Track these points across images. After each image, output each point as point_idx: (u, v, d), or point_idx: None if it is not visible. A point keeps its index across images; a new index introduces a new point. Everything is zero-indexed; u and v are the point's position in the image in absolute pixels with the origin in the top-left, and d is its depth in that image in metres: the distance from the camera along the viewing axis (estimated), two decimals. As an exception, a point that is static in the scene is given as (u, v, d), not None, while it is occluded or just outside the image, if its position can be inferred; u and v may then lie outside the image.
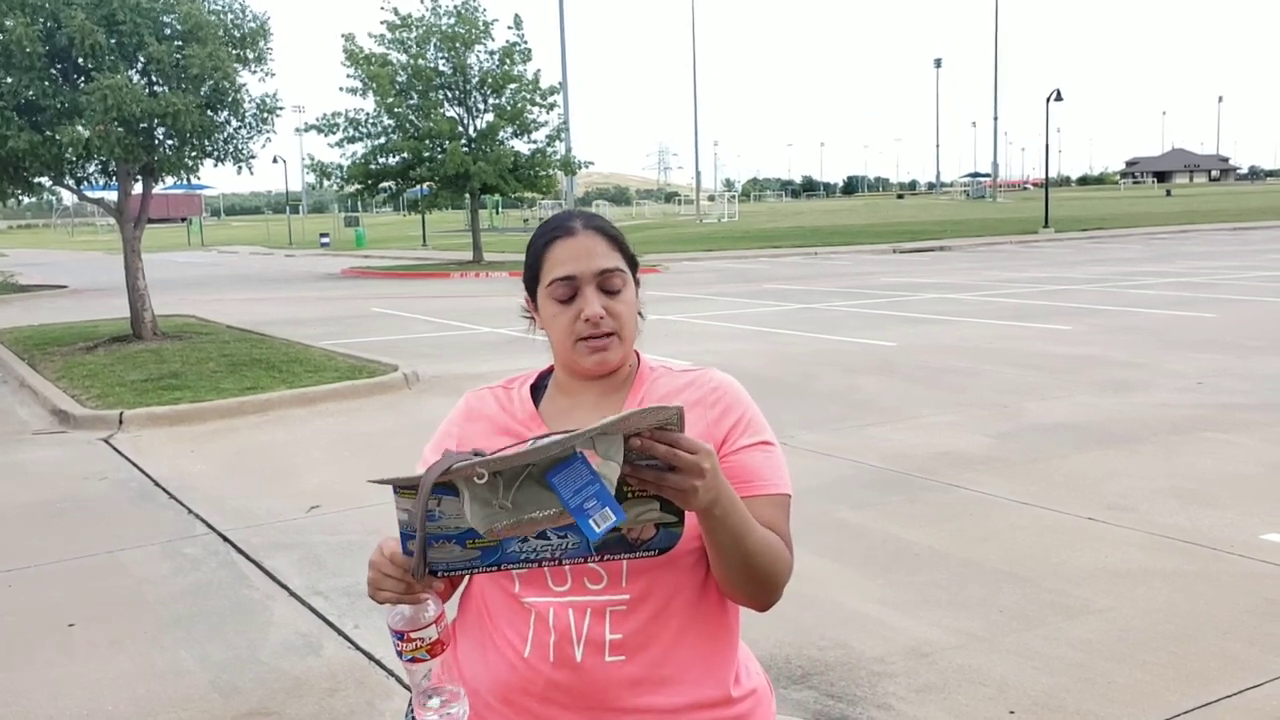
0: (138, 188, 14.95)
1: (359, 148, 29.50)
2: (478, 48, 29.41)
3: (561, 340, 1.71)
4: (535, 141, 30.33)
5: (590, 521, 1.34)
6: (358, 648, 4.49)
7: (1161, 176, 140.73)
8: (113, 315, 17.05)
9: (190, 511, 6.59)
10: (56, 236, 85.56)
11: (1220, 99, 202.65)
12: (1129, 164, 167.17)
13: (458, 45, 28.99)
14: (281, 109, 15.00)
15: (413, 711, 1.51)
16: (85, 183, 15.22)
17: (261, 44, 14.49)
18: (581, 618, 1.61)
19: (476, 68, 29.44)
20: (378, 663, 4.32)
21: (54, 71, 13.59)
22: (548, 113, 30.05)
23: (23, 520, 6.63)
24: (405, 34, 29.13)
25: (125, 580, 5.45)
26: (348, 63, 28.23)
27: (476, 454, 1.40)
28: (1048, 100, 41.09)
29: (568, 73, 35.07)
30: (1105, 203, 70.67)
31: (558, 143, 30.57)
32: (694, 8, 75.58)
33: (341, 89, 28.88)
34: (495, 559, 1.42)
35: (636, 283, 1.76)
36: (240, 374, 11.11)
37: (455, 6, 29.25)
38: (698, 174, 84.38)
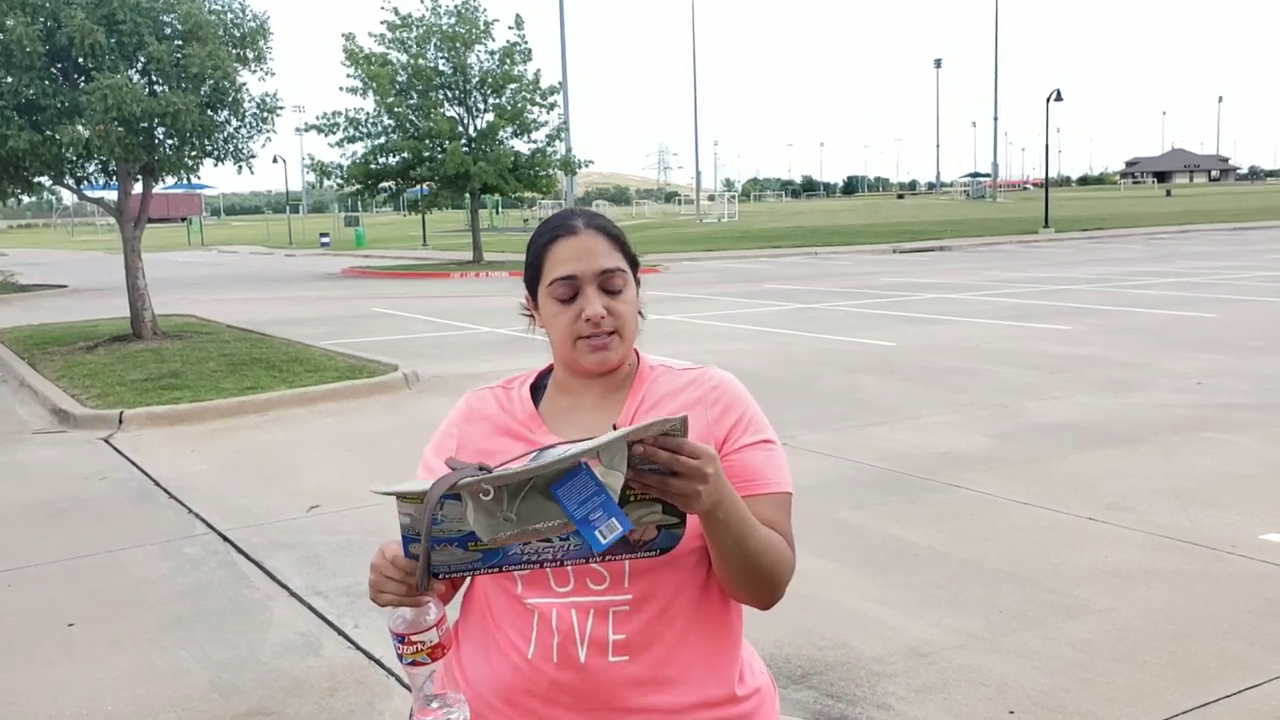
0: (138, 187, 14.96)
1: (359, 147, 29.53)
2: (478, 47, 29.40)
3: (562, 339, 1.71)
4: (535, 141, 30.34)
5: (596, 533, 1.33)
6: (357, 647, 4.49)
7: (1161, 177, 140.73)
8: (113, 315, 17.05)
9: (190, 511, 6.59)
10: (56, 236, 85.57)
11: (1220, 99, 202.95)
12: (1129, 164, 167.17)
13: (458, 45, 28.99)
14: (281, 108, 15.01)
15: (414, 715, 1.51)
16: (85, 182, 15.23)
17: (261, 43, 14.50)
18: (585, 618, 1.61)
19: (477, 67, 29.43)
20: (377, 662, 4.32)
21: (54, 71, 13.59)
22: (548, 113, 30.06)
23: (23, 520, 6.63)
24: (405, 34, 29.12)
25: (125, 580, 5.45)
26: (348, 62, 28.22)
27: (482, 468, 1.39)
28: (1048, 100, 41.10)
29: (568, 73, 35.08)
30: (1105, 203, 70.68)
31: (558, 142, 30.57)
32: (694, 8, 75.59)
33: (341, 89, 28.90)
34: (497, 560, 1.42)
35: (637, 282, 1.76)
36: (240, 374, 11.11)
37: (455, 6, 29.24)
38: (698, 174, 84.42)
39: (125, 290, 14.68)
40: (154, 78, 13.91)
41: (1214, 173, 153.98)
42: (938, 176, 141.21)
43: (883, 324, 14.49)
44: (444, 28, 29.01)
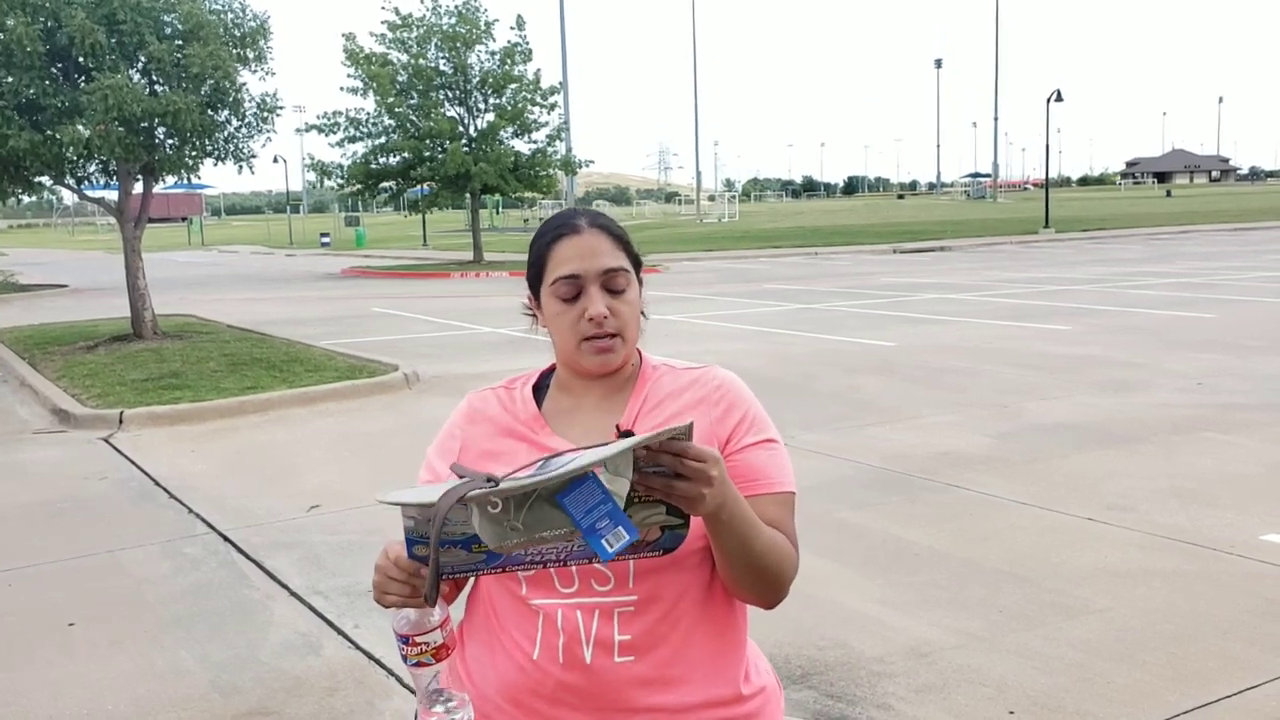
0: (138, 187, 14.96)
1: (359, 147, 29.55)
2: (478, 48, 29.41)
3: (565, 339, 1.70)
4: (535, 141, 30.35)
5: (603, 541, 1.33)
6: (357, 647, 4.49)
7: (1162, 177, 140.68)
8: (113, 314, 17.05)
9: (190, 511, 6.59)
10: (57, 236, 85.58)
11: (1220, 99, 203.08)
12: (1129, 164, 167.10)
13: (458, 45, 28.99)
14: (282, 108, 15.02)
15: (419, 716, 1.51)
16: (86, 182, 15.23)
17: (262, 43, 14.50)
18: (590, 619, 1.61)
19: (477, 68, 29.44)
20: (377, 662, 4.33)
21: (54, 71, 13.59)
22: (548, 113, 30.06)
23: (23, 520, 6.63)
24: (406, 34, 29.12)
25: (125, 580, 5.45)
26: (348, 62, 28.22)
27: (490, 479, 1.39)
28: (1048, 101, 41.10)
29: (568, 73, 35.08)
30: (1105, 203, 70.67)
31: (558, 143, 30.57)
32: (694, 8, 75.54)
33: (342, 89, 28.91)
34: (501, 561, 1.42)
35: (640, 283, 1.75)
36: (240, 374, 11.12)
37: (456, 6, 29.24)
38: (698, 174, 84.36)
39: (125, 290, 14.68)
40: (154, 78, 13.91)
41: (1214, 173, 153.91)
42: (938, 177, 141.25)
43: (882, 324, 14.49)
44: (444, 28, 29.02)
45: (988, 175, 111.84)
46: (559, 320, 1.70)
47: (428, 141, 28.68)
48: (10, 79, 13.09)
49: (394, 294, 22.82)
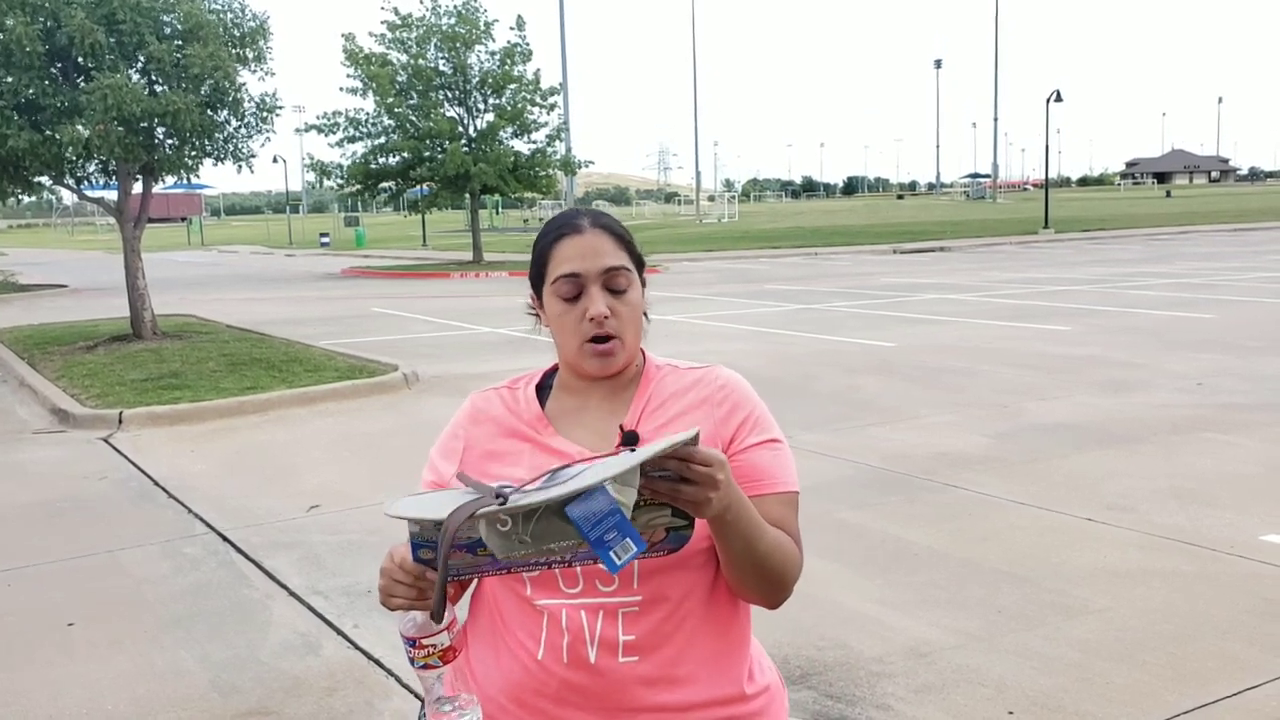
0: (138, 187, 14.96)
1: (359, 148, 29.55)
2: (478, 48, 29.41)
3: (566, 339, 1.70)
4: (535, 142, 30.35)
5: (611, 554, 1.33)
6: (357, 647, 4.49)
7: (1161, 177, 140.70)
8: (113, 315, 17.05)
9: (190, 511, 6.59)
10: (56, 236, 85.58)
11: (1220, 100, 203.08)
12: (1129, 165, 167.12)
13: (458, 45, 28.99)
14: (281, 108, 15.01)
15: (427, 718, 1.51)
16: (85, 182, 15.23)
17: (261, 43, 14.50)
18: (594, 619, 1.61)
19: (477, 68, 29.44)
20: (377, 662, 4.33)
21: (54, 71, 13.59)
22: (548, 113, 30.07)
23: (23, 520, 6.63)
24: (405, 34, 29.13)
25: (125, 580, 5.45)
26: (348, 63, 28.22)
27: (499, 495, 1.39)
28: (1048, 101, 41.10)
29: (568, 73, 35.07)
30: (1105, 203, 70.68)
31: (558, 143, 30.57)
32: (694, 8, 75.59)
33: (341, 89, 28.92)
34: (506, 563, 1.42)
35: (643, 283, 1.75)
36: (240, 374, 11.12)
37: (456, 6, 29.25)
38: (698, 174, 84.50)
39: (125, 290, 14.68)
40: (154, 77, 13.91)
41: (1214, 173, 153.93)
42: (938, 177, 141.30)
43: (882, 324, 14.49)
44: (444, 28, 29.02)
45: (987, 176, 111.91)
46: (560, 320, 1.70)
47: (427, 142, 28.68)
48: (10, 79, 13.09)
49: (394, 294, 22.82)
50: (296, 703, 4.02)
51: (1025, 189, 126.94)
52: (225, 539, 6.01)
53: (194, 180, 16.42)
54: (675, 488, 1.39)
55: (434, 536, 1.40)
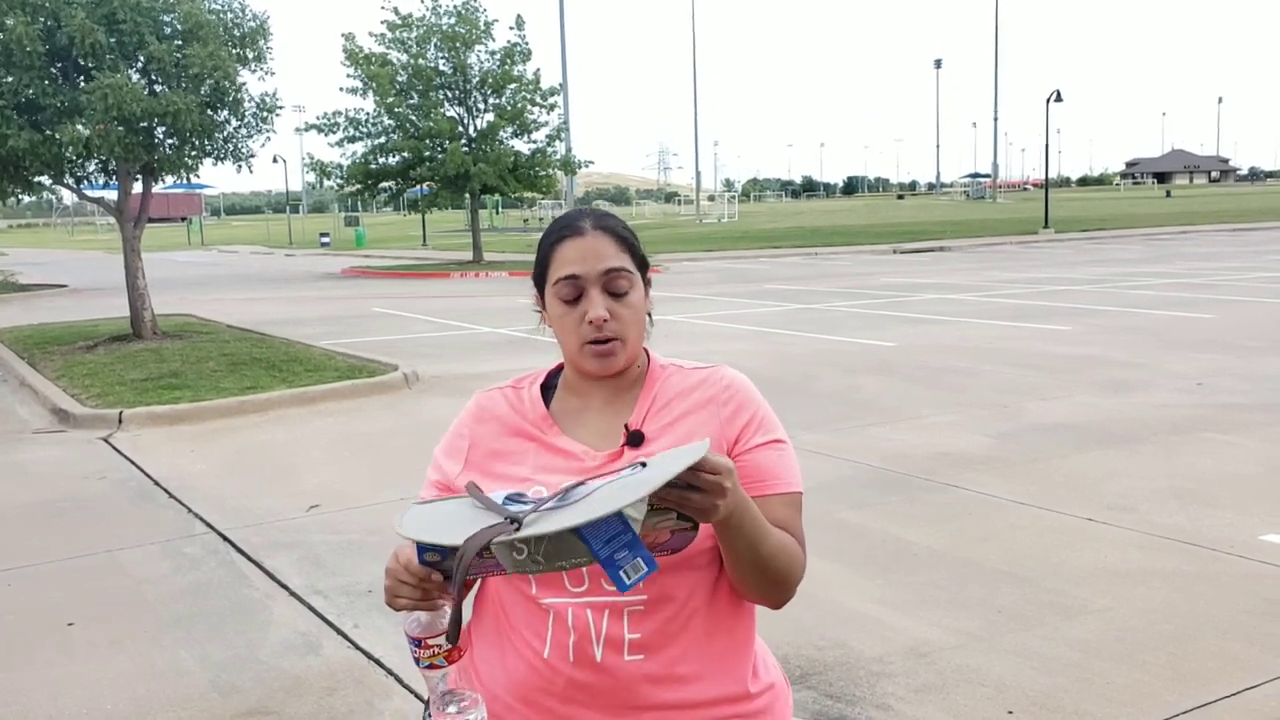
0: (138, 187, 14.96)
1: (359, 147, 29.54)
2: (478, 48, 29.40)
3: (568, 340, 1.71)
4: (535, 141, 30.34)
5: (621, 573, 1.33)
6: (357, 647, 4.49)
7: (1161, 177, 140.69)
8: (112, 314, 17.05)
9: (190, 511, 6.59)
10: (56, 236, 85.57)
11: (1220, 100, 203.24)
12: (1129, 165, 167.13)
13: (458, 45, 28.98)
14: (281, 108, 15.01)
15: (431, 717, 1.51)
16: (85, 182, 15.23)
17: (261, 43, 14.50)
18: (600, 617, 1.61)
19: (477, 68, 29.43)
20: (377, 662, 4.33)
21: (54, 70, 13.59)
22: (548, 113, 30.06)
23: (22, 520, 6.63)
24: (405, 34, 29.12)
25: (125, 580, 5.45)
26: (348, 62, 28.22)
27: (513, 520, 1.39)
28: (1047, 101, 41.10)
29: (568, 73, 35.09)
30: (1105, 203, 70.68)
31: (558, 143, 30.57)
32: (694, 8, 75.59)
33: (341, 89, 28.91)
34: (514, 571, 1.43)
35: (647, 283, 1.75)
36: (240, 373, 11.12)
37: (456, 6, 29.24)
38: (698, 174, 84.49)
39: (125, 290, 14.68)
40: (154, 77, 13.91)
41: (1214, 173, 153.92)
42: (938, 177, 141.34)
43: (882, 324, 14.49)
44: (444, 28, 29.01)
45: (987, 175, 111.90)
46: (562, 321, 1.71)
47: (427, 141, 28.68)
48: (10, 78, 13.09)
49: (393, 294, 22.82)
50: (296, 702, 4.02)
51: (1025, 189, 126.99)
52: (225, 539, 6.01)
53: (194, 180, 16.42)
54: (684, 495, 1.39)
55: (439, 539, 1.40)
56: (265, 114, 14.86)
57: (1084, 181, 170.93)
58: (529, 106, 29.48)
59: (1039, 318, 14.54)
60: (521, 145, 30.23)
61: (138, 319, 14.46)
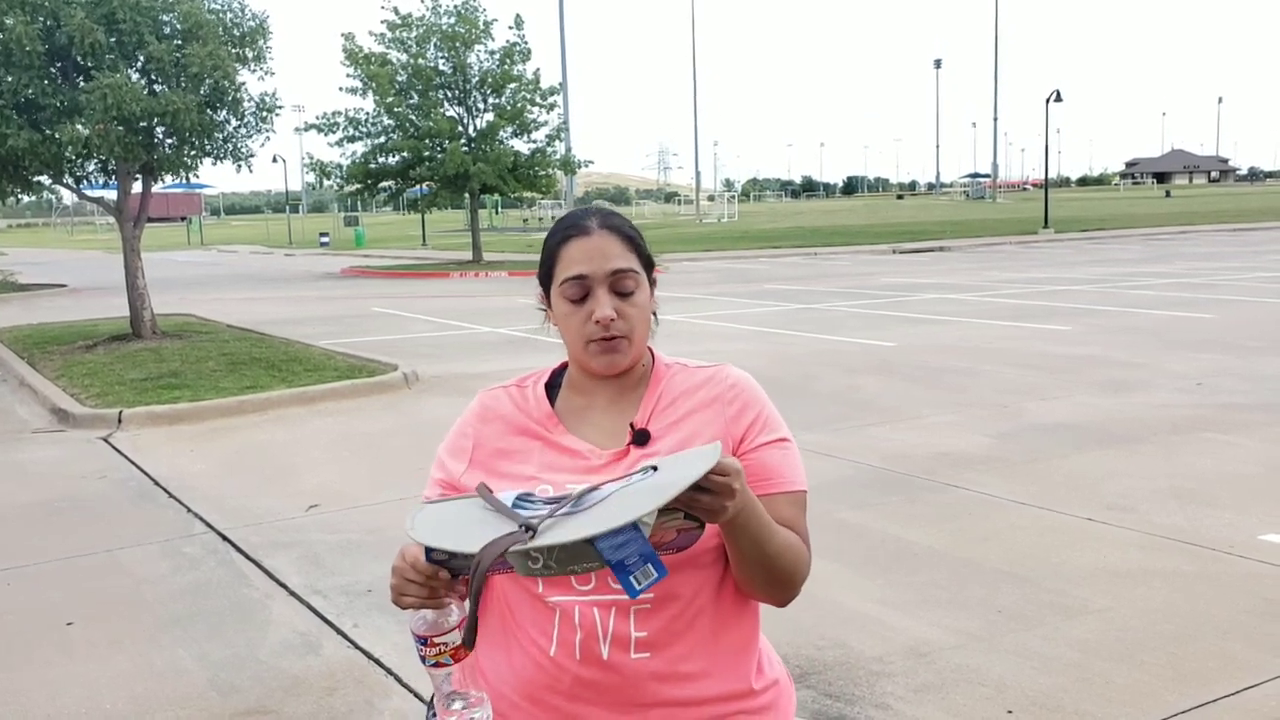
0: (137, 187, 14.95)
1: (359, 147, 29.52)
2: (478, 47, 29.39)
3: (573, 340, 1.71)
4: (535, 141, 30.33)
5: (632, 578, 1.34)
6: (356, 647, 4.48)
7: (1161, 177, 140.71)
8: (112, 314, 17.05)
9: (189, 511, 6.58)
10: (56, 235, 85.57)
11: (1220, 100, 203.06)
12: (1129, 165, 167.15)
13: (458, 45, 28.98)
14: (281, 108, 15.01)
15: (437, 716, 1.51)
16: (85, 181, 15.22)
17: (261, 43, 14.49)
18: (606, 615, 1.62)
19: (476, 67, 29.42)
20: (376, 661, 4.32)
21: (53, 70, 13.59)
22: (548, 113, 30.05)
23: (22, 519, 6.63)
24: (405, 33, 29.11)
25: (124, 579, 5.45)
26: (347, 62, 28.21)
27: (527, 528, 1.39)
28: (1047, 101, 41.10)
29: (568, 73, 35.10)
30: (1105, 203, 70.69)
31: (558, 142, 30.56)
32: (694, 8, 75.58)
33: (341, 89, 28.88)
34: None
35: (652, 283, 1.76)
36: (240, 373, 11.11)
37: (455, 6, 29.23)
38: (697, 174, 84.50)
39: (125, 290, 14.68)
40: (153, 77, 13.90)
41: (1214, 173, 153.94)
42: (937, 177, 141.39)
43: (882, 324, 14.49)
44: (444, 27, 29.00)
45: (987, 175, 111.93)
46: (567, 321, 1.71)
47: (427, 141, 28.67)
48: (9, 78, 13.08)
49: (393, 294, 22.82)
50: (296, 702, 4.02)
51: (1025, 189, 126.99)
52: (225, 538, 6.01)
53: (194, 180, 16.42)
54: (693, 496, 1.40)
55: (443, 540, 1.41)
56: (265, 114, 14.86)
57: (1084, 181, 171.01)
58: (529, 106, 29.47)
59: (1039, 318, 14.54)
60: (521, 145, 30.25)
61: (137, 319, 14.45)
